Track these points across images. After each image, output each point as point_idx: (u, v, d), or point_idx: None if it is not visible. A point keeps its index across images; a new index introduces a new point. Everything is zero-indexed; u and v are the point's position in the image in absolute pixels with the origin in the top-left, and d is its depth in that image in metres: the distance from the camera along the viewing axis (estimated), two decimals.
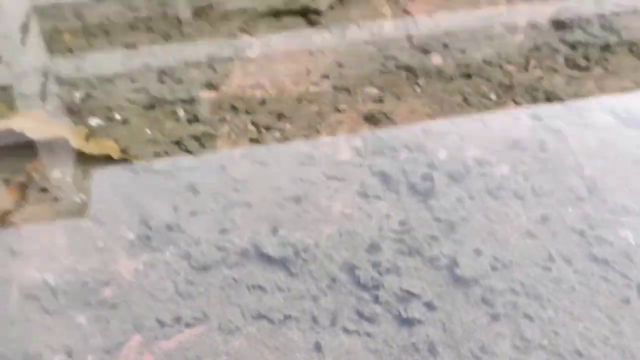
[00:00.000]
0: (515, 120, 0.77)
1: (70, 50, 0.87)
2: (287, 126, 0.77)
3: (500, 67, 0.85)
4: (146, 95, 0.80)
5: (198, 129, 0.76)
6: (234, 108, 0.79)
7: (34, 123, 0.74)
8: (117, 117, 0.77)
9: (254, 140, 0.75)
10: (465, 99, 0.80)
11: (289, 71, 0.85)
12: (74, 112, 0.78)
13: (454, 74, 0.83)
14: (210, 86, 0.82)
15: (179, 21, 0.93)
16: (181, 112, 0.78)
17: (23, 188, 0.69)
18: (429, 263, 0.61)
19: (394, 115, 0.77)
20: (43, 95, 0.79)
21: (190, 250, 0.62)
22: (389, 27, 0.93)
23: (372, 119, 0.77)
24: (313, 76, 0.84)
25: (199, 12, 0.94)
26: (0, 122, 0.74)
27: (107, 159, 0.72)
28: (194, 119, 0.77)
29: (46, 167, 0.71)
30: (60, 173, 0.70)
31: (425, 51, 0.88)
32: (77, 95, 0.80)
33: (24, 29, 0.87)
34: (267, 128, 0.77)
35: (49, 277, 0.60)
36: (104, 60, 0.84)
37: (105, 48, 0.87)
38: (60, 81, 0.81)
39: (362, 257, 0.61)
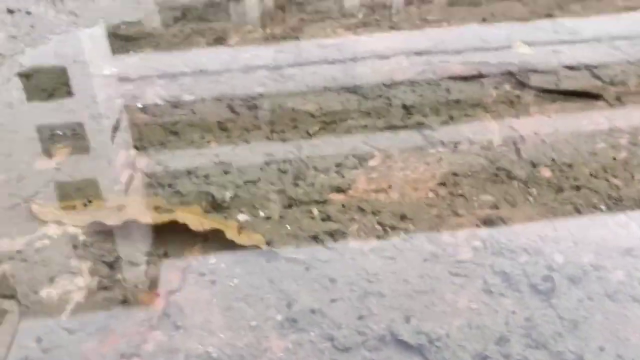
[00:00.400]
0: (626, 229, 0.83)
1: (217, 156, 1.01)
2: (410, 226, 0.85)
3: (607, 180, 0.92)
4: (284, 196, 0.92)
5: (331, 226, 0.86)
6: (361, 209, 0.89)
7: (193, 217, 0.87)
8: (261, 214, 0.89)
9: (381, 238, 0.84)
10: (576, 209, 0.86)
11: (408, 178, 0.94)
12: (225, 208, 0.90)
13: (564, 186, 0.91)
14: (339, 190, 0.93)
15: (308, 133, 1.07)
16: (315, 212, 0.89)
17: (185, 271, 0.80)
18: (557, 357, 0.66)
19: (509, 221, 0.85)
20: (198, 195, 0.92)
21: (333, 333, 0.70)
22: (497, 141, 1.02)
23: (489, 223, 0.85)
24: (430, 183, 0.93)
25: (325, 127, 1.08)
26: (166, 215, 0.87)
27: (256, 249, 0.82)
28: (327, 218, 0.88)
29: (204, 254, 0.82)
30: (215, 259, 0.81)
31: (534, 164, 0.96)
32: (227, 194, 0.92)
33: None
34: (392, 227, 0.85)
35: (211, 350, 0.69)
36: (249, 167, 0.98)
37: (247, 155, 1.01)
38: (212, 182, 0.95)
39: (493, 348, 0.67)
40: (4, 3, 1.68)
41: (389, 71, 1.25)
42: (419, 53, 1.32)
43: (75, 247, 0.84)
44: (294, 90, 1.19)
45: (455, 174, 0.95)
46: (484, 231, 0.84)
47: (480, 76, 1.22)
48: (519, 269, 0.77)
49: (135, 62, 1.31)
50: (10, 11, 1.64)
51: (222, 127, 1.09)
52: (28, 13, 1.63)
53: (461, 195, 0.90)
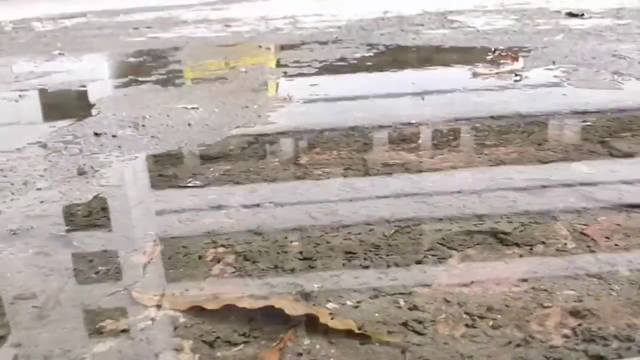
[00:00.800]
0: None
1: (302, 253, 1.07)
2: (498, 316, 0.88)
3: None
4: (371, 289, 0.96)
5: (419, 315, 0.89)
6: (446, 301, 0.92)
7: (287, 302, 0.91)
8: (349, 303, 0.93)
9: (470, 326, 0.86)
10: None
11: (489, 275, 0.98)
12: (313, 298, 0.94)
13: None
14: (422, 284, 0.97)
15: (385, 235, 1.13)
16: (402, 302, 0.92)
17: (282, 351, 0.82)
18: None
19: (597, 312, 0.87)
20: (287, 286, 0.97)
21: None
22: (571, 245, 1.06)
23: (576, 314, 0.86)
24: (512, 279, 0.97)
25: (401, 230, 1.14)
26: (261, 301, 0.92)
27: (348, 333, 0.85)
28: (413, 307, 0.91)
29: (299, 336, 0.85)
30: (310, 341, 0.84)
31: (611, 264, 0.99)
32: (315, 285, 0.97)
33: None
34: (480, 317, 0.88)
35: None
36: (332, 263, 1.03)
37: (330, 252, 1.06)
38: (299, 275, 1.00)
39: None
40: (90, 128, 1.88)
41: (456, 185, 1.34)
42: (482, 172, 1.41)
43: (176, 328, 0.89)
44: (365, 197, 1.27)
45: (535, 272, 0.98)
46: (572, 320, 0.85)
47: (544, 188, 1.29)
48: (613, 353, 0.78)
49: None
50: (97, 134, 1.82)
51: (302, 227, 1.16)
52: (114, 136, 1.81)
53: (544, 290, 0.93)
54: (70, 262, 1.09)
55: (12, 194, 1.38)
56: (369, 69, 2.78)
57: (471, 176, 1.39)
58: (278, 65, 2.93)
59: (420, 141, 1.66)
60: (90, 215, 1.28)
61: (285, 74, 2.69)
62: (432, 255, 1.05)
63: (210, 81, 2.67)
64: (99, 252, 1.12)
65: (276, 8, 6.06)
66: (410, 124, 1.81)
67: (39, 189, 1.41)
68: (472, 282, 0.97)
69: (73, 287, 1.00)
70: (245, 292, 0.96)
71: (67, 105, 2.43)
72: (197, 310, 0.92)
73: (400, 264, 1.03)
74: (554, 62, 2.65)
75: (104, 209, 1.30)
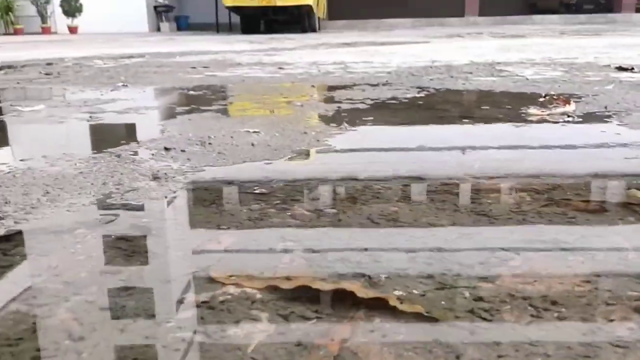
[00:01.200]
0: None
1: (367, 249, 1.12)
2: (563, 309, 0.91)
3: None
4: (434, 281, 1.00)
5: (484, 305, 0.93)
6: (510, 295, 0.96)
7: (359, 287, 0.96)
8: (415, 291, 0.97)
9: (536, 316, 0.89)
10: None
11: (552, 275, 1.01)
12: (380, 286, 0.99)
13: None
14: (487, 280, 1.01)
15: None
16: (467, 294, 0.96)
17: (353, 326, 0.87)
18: None
19: None
20: (355, 276, 1.02)
21: None
22: (632, 254, 1.09)
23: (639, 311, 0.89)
24: (575, 280, 1.00)
25: (461, 236, 1.18)
26: (333, 284, 0.97)
27: (417, 315, 0.89)
28: (478, 299, 0.95)
29: (369, 316, 0.90)
30: (380, 320, 0.89)
31: None
32: (382, 276, 1.02)
33: None
34: (545, 309, 0.91)
35: None
36: (396, 259, 1.08)
37: (393, 247, 1.11)
38: (366, 267, 1.05)
39: None
40: (160, 144, 1.99)
41: (513, 204, 1.38)
42: (541, 192, 1.45)
43: (253, 302, 0.94)
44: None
45: (597, 275, 1.01)
46: (637, 316, 0.88)
47: (602, 211, 1.32)
48: None
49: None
50: (167, 149, 1.93)
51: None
52: (183, 151, 1.92)
53: (608, 290, 0.96)
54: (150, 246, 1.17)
55: (92, 194, 1.49)
56: (420, 107, 2.86)
57: (529, 196, 1.42)
58: (332, 101, 3.05)
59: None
60: (164, 212, 1.36)
61: (340, 109, 2.80)
62: (495, 258, 1.09)
63: (269, 112, 2.79)
64: (177, 240, 1.20)
65: (326, 56, 6.27)
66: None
67: (116, 188, 1.50)
68: (536, 280, 1.00)
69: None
70: (319, 277, 1.01)
71: (134, 126, 2.57)
72: (272, 289, 0.98)
73: (465, 263, 1.07)
74: (605, 107, 2.68)
75: (177, 208, 1.39)
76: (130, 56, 6.89)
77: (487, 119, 2.47)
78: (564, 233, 1.19)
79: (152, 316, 0.91)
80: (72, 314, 0.92)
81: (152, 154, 1.86)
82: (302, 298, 0.96)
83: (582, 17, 18.60)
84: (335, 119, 2.50)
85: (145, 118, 2.71)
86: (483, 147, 1.94)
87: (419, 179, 1.59)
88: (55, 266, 1.08)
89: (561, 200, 1.39)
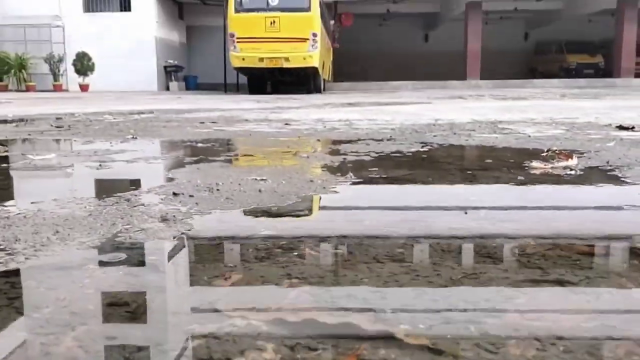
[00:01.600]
0: None
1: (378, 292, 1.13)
2: (568, 344, 0.91)
3: None
4: (441, 319, 1.01)
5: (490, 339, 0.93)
6: (516, 330, 0.96)
7: (365, 320, 0.97)
8: (421, 326, 0.97)
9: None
10: None
11: (560, 318, 1.02)
12: (387, 321, 0.99)
13: None
14: (494, 316, 1.01)
15: (452, 279, 1.18)
16: (472, 328, 0.97)
17: (358, 359, 0.87)
18: None
19: None
20: (361, 310, 1.03)
21: None
22: (637, 294, 1.09)
23: None
24: (584, 325, 1.00)
25: (467, 276, 1.19)
26: (342, 318, 0.97)
27: (423, 348, 0.90)
28: (485, 333, 0.95)
29: (375, 347, 0.90)
30: (386, 352, 0.89)
31: None
32: (389, 311, 1.02)
33: None
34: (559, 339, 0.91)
35: None
36: (402, 295, 1.09)
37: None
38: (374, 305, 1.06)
39: None
40: (169, 190, 2.02)
41: (518, 246, 1.39)
42: (542, 237, 1.46)
43: (259, 334, 0.95)
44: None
45: (605, 312, 1.02)
46: None
47: (606, 255, 1.33)
48: None
49: None
50: (175, 194, 1.96)
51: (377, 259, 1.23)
52: (191, 196, 1.95)
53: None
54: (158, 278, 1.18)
55: (102, 234, 1.51)
56: (423, 159, 2.91)
57: (533, 240, 1.44)
58: (338, 153, 3.10)
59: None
60: (174, 250, 1.38)
61: (345, 160, 2.85)
62: (501, 297, 1.09)
63: (276, 162, 2.84)
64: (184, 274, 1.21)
65: (331, 114, 6.40)
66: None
67: (126, 229, 1.53)
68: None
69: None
70: (323, 311, 1.02)
71: (143, 174, 2.62)
72: (278, 321, 0.98)
73: (470, 301, 1.07)
74: (608, 162, 2.72)
75: (184, 248, 1.41)
76: (140, 112, 7.05)
77: (491, 169, 2.51)
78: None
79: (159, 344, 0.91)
80: (77, 342, 0.92)
81: (161, 199, 1.89)
82: (309, 330, 0.96)
83: (582, 81, 19.02)
84: (341, 169, 2.54)
85: (154, 167, 2.76)
86: (487, 205, 1.97)
87: (424, 237, 1.61)
88: (63, 298, 1.09)
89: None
